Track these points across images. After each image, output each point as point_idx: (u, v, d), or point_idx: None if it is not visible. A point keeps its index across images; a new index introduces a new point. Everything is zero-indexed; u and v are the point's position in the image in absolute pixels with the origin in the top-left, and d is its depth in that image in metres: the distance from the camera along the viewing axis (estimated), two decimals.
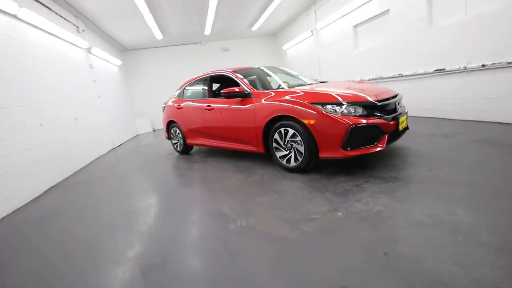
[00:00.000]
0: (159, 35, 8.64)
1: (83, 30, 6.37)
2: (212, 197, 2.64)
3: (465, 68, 4.08)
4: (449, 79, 4.41)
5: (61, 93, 4.86)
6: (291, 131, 2.82)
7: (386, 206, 1.95)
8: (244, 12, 7.96)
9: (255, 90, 3.32)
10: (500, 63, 3.61)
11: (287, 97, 2.92)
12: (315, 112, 2.59)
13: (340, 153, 2.53)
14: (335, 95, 2.65)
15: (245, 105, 3.34)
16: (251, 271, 1.47)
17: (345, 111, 2.55)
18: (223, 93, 3.42)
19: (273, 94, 3.14)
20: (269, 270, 1.46)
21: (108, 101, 7.49)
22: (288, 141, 2.91)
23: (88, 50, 6.55)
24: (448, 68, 4.36)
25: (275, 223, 1.95)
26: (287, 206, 2.21)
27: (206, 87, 4.18)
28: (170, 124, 5.06)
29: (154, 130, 11.11)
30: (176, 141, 5.03)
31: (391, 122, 2.64)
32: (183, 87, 4.82)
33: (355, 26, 6.55)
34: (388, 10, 5.41)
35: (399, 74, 5.36)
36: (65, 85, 5.09)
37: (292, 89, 3.16)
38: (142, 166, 4.57)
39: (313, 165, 2.83)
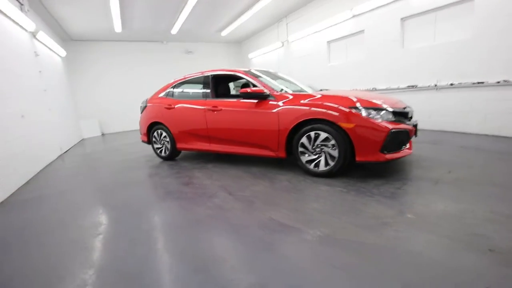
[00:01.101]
0: (118, 27, 7.66)
1: (27, 10, 5.17)
2: (252, 207, 2.35)
3: (435, 85, 4.75)
4: (420, 95, 5.07)
5: (6, 83, 3.77)
6: (323, 135, 2.76)
7: (447, 206, 2.04)
8: (218, 15, 7.73)
9: (277, 92, 3.17)
10: (466, 83, 4.33)
11: (306, 100, 2.89)
12: (354, 116, 2.60)
13: (379, 157, 2.58)
14: (372, 101, 2.71)
15: (264, 107, 3.15)
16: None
17: (378, 116, 2.63)
18: (242, 93, 3.17)
19: (291, 97, 3.06)
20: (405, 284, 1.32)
21: (54, 97, 6.18)
22: (317, 145, 2.84)
23: (33, 35, 5.32)
24: (420, 85, 5.01)
25: (352, 230, 1.82)
26: (347, 211, 2.11)
27: (207, 86, 3.81)
28: (152, 126, 4.43)
29: (103, 134, 9.66)
30: (160, 146, 4.41)
31: (412, 128, 2.85)
32: (173, 86, 4.31)
33: (329, 41, 7.04)
34: (363, 30, 5.97)
35: (373, 88, 5.92)
36: (10, 73, 3.98)
37: (309, 93, 3.12)
38: (120, 176, 3.83)
39: (342, 169, 2.81)
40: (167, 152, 4.33)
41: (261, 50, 10.12)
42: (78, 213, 2.58)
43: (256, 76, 3.43)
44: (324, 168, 2.85)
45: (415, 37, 5.06)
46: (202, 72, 3.99)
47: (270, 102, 3.12)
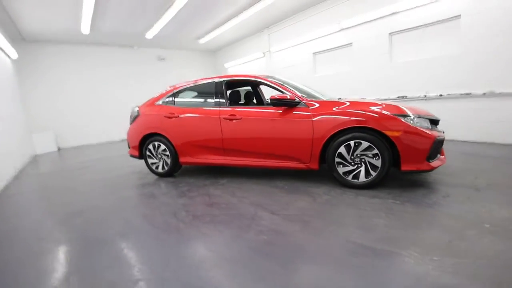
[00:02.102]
0: (86, 29, 6.77)
1: None
2: (313, 227, 2.05)
3: (425, 96, 5.08)
4: (410, 105, 5.35)
5: None
6: (364, 144, 2.62)
7: (510, 213, 2.02)
8: (202, 21, 7.38)
9: (306, 99, 2.98)
10: (454, 94, 4.70)
11: (342, 107, 2.76)
12: (400, 124, 2.52)
13: (425, 166, 2.53)
14: (404, 108, 2.68)
15: (295, 115, 2.92)
16: None
17: (418, 124, 2.60)
18: (273, 100, 2.90)
19: (318, 105, 2.90)
20: None
21: (5, 105, 5.08)
22: (357, 155, 2.69)
23: None
24: (409, 96, 5.32)
25: (446, 247, 1.65)
26: (421, 226, 1.96)
27: (220, 93, 3.44)
28: (147, 139, 3.84)
29: (59, 149, 8.31)
30: (156, 161, 3.83)
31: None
32: (173, 93, 3.81)
33: (315, 53, 7.18)
34: (352, 43, 6.21)
35: (362, 98, 6.13)
36: None
37: (339, 100, 3.00)
38: (110, 198, 3.18)
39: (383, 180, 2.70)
40: (166, 168, 3.77)
41: (239, 60, 9.95)
42: (54, 268, 1.98)
43: (280, 83, 3.20)
44: (365, 179, 2.70)
45: (404, 51, 5.40)
46: (211, 78, 3.62)
47: (301, 110, 2.91)
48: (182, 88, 3.78)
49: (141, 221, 2.45)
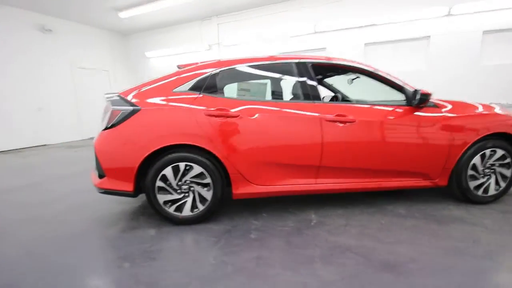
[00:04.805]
0: None
1: None
2: None
3: None
4: None
5: None
6: (499, 152, 2.32)
7: None
8: None
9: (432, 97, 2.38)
10: None
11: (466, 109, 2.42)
12: None
13: None
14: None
15: (426, 117, 2.29)
16: None
17: None
18: (424, 96, 2.13)
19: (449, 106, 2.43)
20: None
21: None
22: (488, 165, 2.35)
23: None
24: None
25: None
26: None
27: (309, 82, 2.27)
28: (156, 157, 2.05)
29: None
30: (178, 196, 2.11)
31: None
32: (213, 73, 2.20)
33: (282, 53, 6.66)
34: (326, 48, 6.12)
35: None
36: None
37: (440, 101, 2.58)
38: None
39: None
40: (202, 207, 2.13)
41: (171, 49, 8.04)
42: None
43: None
44: (494, 193, 2.39)
45: (377, 63, 5.73)
46: (284, 57, 2.36)
47: (431, 111, 2.31)
48: (231, 66, 2.26)
49: None
